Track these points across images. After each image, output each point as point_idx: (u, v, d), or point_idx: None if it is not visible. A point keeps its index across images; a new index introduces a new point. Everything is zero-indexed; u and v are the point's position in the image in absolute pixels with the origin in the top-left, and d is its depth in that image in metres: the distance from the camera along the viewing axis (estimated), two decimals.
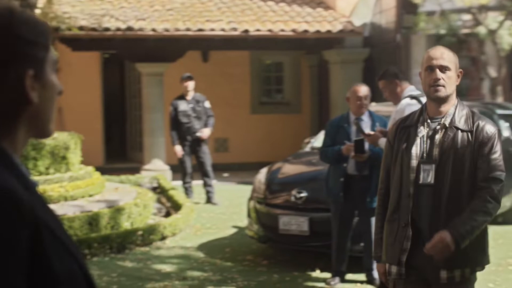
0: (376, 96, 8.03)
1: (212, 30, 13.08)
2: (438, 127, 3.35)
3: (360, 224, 6.30)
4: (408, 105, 5.48)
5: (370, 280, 6.26)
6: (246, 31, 13.09)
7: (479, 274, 3.44)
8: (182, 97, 10.89)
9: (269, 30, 13.16)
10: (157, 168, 13.13)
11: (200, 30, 13.04)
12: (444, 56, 3.35)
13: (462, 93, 11.05)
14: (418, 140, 3.35)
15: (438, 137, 3.33)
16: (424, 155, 3.33)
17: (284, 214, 7.00)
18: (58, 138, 8.98)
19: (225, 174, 14.15)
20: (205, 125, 10.78)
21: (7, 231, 1.26)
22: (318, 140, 8.11)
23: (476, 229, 3.22)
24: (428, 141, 3.34)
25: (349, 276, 6.48)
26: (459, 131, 3.31)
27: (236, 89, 15.43)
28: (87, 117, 15.21)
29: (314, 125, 15.19)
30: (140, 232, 8.03)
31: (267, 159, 11.93)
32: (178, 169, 11.54)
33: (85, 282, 1.41)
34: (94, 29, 12.62)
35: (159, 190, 11.60)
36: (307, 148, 8.65)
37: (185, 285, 6.41)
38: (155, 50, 12.95)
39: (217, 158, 12.93)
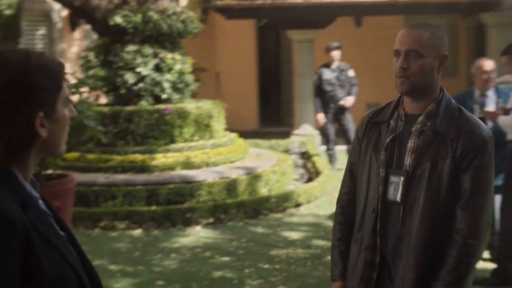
0: None
1: None
2: (414, 128, 2.56)
3: None
4: None
5: None
6: None
7: None
8: (326, 65, 11.01)
9: None
10: (306, 133, 13.41)
11: None
12: (417, 38, 2.52)
13: None
14: (388, 143, 2.59)
15: (411, 141, 2.55)
16: (394, 163, 2.57)
17: None
18: (202, 107, 9.50)
19: None
20: (349, 94, 10.86)
21: (2, 249, 1.52)
22: None
23: (467, 278, 2.51)
24: (400, 146, 2.58)
25: None
26: (439, 135, 2.52)
27: (390, 53, 15.19)
28: (242, 82, 15.81)
29: None
30: (274, 199, 8.37)
31: None
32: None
33: (77, 281, 1.67)
34: None
35: (306, 156, 11.90)
36: None
37: (307, 254, 6.65)
38: (304, 17, 13.12)
39: None
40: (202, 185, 8.21)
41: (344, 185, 2.80)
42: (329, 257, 6.36)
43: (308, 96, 13.51)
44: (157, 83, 9.45)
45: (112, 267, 6.24)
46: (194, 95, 13.01)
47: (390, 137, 2.58)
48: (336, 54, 10.89)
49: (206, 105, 9.68)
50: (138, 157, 8.73)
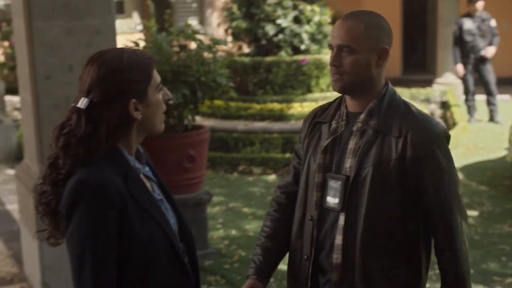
0: None
1: None
2: (355, 127, 2.30)
3: None
4: None
5: None
6: None
7: None
8: (468, 15, 10.82)
9: None
10: (448, 82, 13.24)
11: None
12: (349, 31, 2.24)
13: None
14: (328, 145, 2.33)
15: (352, 142, 2.29)
16: (333, 167, 2.31)
17: None
18: None
19: None
20: (490, 44, 10.63)
21: (98, 214, 1.86)
22: None
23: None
24: (341, 148, 2.32)
25: None
26: (382, 135, 2.24)
27: None
28: None
29: None
30: None
31: None
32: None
33: (166, 240, 1.97)
34: None
35: (446, 106, 11.84)
36: None
37: None
38: None
39: None
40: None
41: (285, 182, 2.54)
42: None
43: (451, 45, 13.28)
44: (296, 35, 9.82)
45: (246, 209, 6.83)
46: None
47: (330, 139, 2.33)
48: (480, 5, 10.66)
49: None
50: (276, 106, 9.22)
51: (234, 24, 10.03)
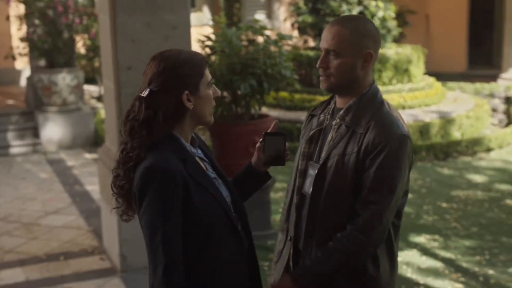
0: None
1: None
2: (334, 122, 2.47)
3: None
4: None
5: None
6: None
7: None
8: None
9: None
10: None
11: None
12: (335, 36, 2.39)
13: None
14: (313, 135, 2.54)
15: (330, 135, 2.47)
16: (315, 156, 2.51)
17: None
18: (402, 52, 10.01)
19: None
20: None
21: (165, 195, 2.13)
22: None
23: (328, 271, 2.40)
24: (323, 139, 2.51)
25: None
26: (351, 130, 2.41)
27: None
28: (452, 23, 15.77)
29: None
30: (464, 143, 8.76)
31: None
32: None
33: (222, 210, 2.26)
34: None
35: (510, 101, 11.88)
36: None
37: (486, 196, 7.09)
38: None
39: None
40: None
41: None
42: (508, 201, 6.82)
43: None
44: None
45: None
46: (402, 38, 13.45)
47: (314, 130, 2.54)
48: None
49: (405, 50, 10.16)
50: None
51: (300, 18, 10.39)
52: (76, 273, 5.28)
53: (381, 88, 9.74)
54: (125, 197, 2.27)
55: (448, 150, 8.63)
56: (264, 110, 7.38)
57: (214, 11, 14.75)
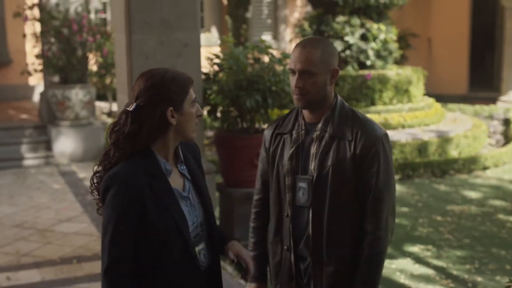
0: None
1: None
2: (314, 135, 2.71)
3: None
4: None
5: None
6: None
7: None
8: None
9: None
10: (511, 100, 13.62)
11: None
12: (308, 57, 2.63)
13: None
14: (293, 152, 2.73)
15: (314, 147, 2.70)
16: (300, 170, 2.73)
17: None
18: (402, 73, 10.38)
19: None
20: None
21: (119, 202, 2.24)
22: None
23: (380, 272, 2.69)
24: (304, 153, 2.73)
25: None
26: (337, 140, 2.66)
27: None
28: (454, 47, 16.17)
29: None
30: (461, 161, 9.10)
31: None
32: None
33: (177, 231, 2.30)
34: None
35: (508, 122, 12.23)
36: None
37: (480, 211, 7.41)
38: None
39: None
40: (396, 145, 9.16)
41: (257, 192, 2.95)
42: (500, 215, 7.14)
43: None
44: (363, 51, 10.49)
45: None
46: (405, 60, 13.84)
47: (294, 147, 2.72)
48: None
49: (406, 71, 10.54)
50: None
51: None
52: (88, 275, 5.60)
53: (381, 107, 10.11)
54: (99, 192, 2.39)
55: (445, 168, 8.96)
56: None
57: (222, 32, 15.20)
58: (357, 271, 2.64)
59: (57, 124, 9.96)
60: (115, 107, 12.74)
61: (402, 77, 10.30)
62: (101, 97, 12.52)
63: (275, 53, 6.20)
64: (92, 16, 10.01)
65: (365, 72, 10.28)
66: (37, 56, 10.15)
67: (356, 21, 10.54)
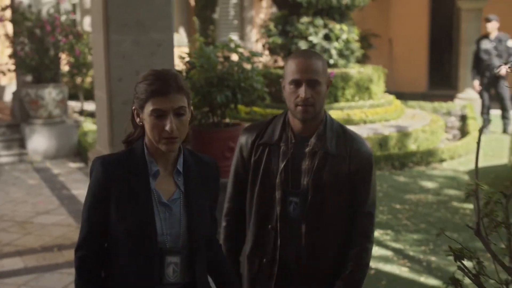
0: None
1: None
2: (307, 150, 2.69)
3: None
4: None
5: None
6: None
7: None
8: (486, 36, 11.84)
9: None
10: (468, 97, 14.22)
11: None
12: (314, 67, 2.62)
13: None
14: (282, 165, 2.69)
15: (307, 163, 2.68)
16: (290, 183, 2.69)
17: None
18: (364, 72, 10.88)
19: None
20: (506, 63, 11.60)
21: (92, 185, 2.34)
22: None
23: (365, 274, 2.76)
24: (295, 167, 2.70)
25: None
26: (331, 156, 2.67)
27: None
28: (414, 47, 16.79)
29: None
30: (419, 154, 9.62)
31: None
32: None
33: (140, 230, 2.29)
34: None
35: (464, 118, 12.83)
36: None
37: (435, 199, 7.91)
38: None
39: None
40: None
41: (229, 199, 2.91)
42: (454, 203, 7.65)
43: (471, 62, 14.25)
44: (326, 50, 10.96)
45: None
46: (367, 59, 14.38)
47: (285, 161, 2.70)
48: (489, 26, 11.69)
49: (367, 70, 11.04)
50: None
51: (270, 40, 11.23)
52: (69, 261, 5.92)
53: (344, 104, 10.60)
54: None
55: (404, 161, 9.46)
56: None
57: (189, 33, 15.55)
58: (342, 280, 2.68)
59: (31, 122, 10.23)
60: (86, 106, 13.03)
61: (364, 75, 10.79)
62: (72, 96, 12.78)
63: (243, 51, 6.60)
64: (63, 17, 10.28)
65: (328, 70, 10.70)
66: (10, 56, 10.40)
67: (319, 21, 11.00)
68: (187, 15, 15.95)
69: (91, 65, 10.96)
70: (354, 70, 10.92)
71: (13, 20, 10.18)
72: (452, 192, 8.26)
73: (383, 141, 9.79)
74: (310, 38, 10.91)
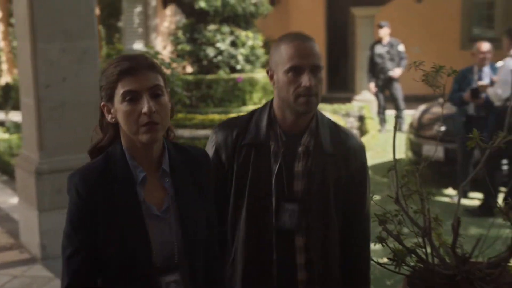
0: None
1: None
2: (299, 149, 2.34)
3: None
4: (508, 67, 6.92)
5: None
6: None
7: None
8: (379, 41, 12.72)
9: None
10: (365, 99, 15.08)
11: None
12: (315, 50, 2.28)
13: None
14: (275, 168, 2.32)
15: (299, 164, 2.33)
16: (285, 189, 2.33)
17: (427, 143, 8.77)
18: None
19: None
20: (398, 66, 12.53)
21: (72, 200, 1.96)
22: None
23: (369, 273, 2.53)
24: (288, 170, 2.33)
25: (471, 194, 8.15)
26: (328, 156, 2.34)
27: (448, 27, 16.64)
28: None
29: None
30: None
31: None
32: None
33: (120, 242, 1.93)
34: None
35: (362, 119, 13.66)
36: None
37: None
38: None
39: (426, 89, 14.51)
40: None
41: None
42: None
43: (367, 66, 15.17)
44: (233, 56, 11.47)
45: None
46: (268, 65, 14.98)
47: (278, 164, 2.33)
48: (381, 31, 12.59)
49: None
50: (216, 116, 10.77)
51: (179, 47, 11.62)
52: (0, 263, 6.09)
53: (252, 107, 11.10)
54: None
55: None
56: None
57: None
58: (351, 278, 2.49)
59: None
60: None
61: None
62: None
63: (163, 58, 6.99)
64: None
65: (236, 75, 11.25)
66: None
67: (226, 29, 11.49)
68: None
69: None
70: (260, 74, 11.47)
71: None
72: None
73: None
74: (218, 45, 11.37)
